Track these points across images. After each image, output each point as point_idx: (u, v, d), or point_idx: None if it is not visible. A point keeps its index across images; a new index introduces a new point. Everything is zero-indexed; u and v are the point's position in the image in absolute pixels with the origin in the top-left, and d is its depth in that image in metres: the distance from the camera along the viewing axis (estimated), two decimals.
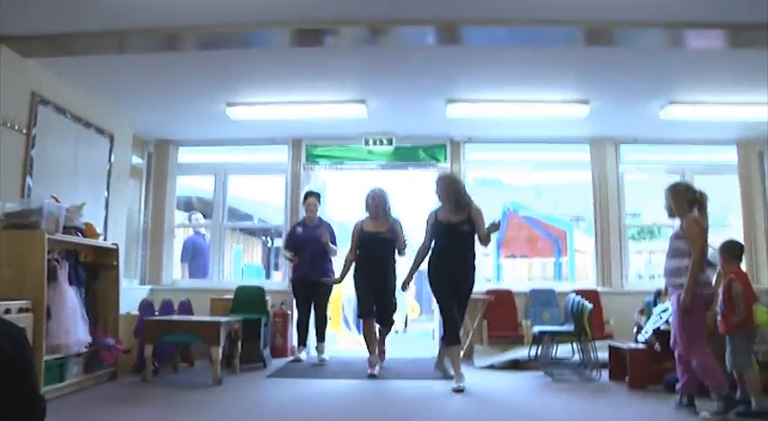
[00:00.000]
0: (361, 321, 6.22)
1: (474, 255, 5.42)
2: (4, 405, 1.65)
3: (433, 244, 5.43)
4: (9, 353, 1.66)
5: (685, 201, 4.33)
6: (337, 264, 6.77)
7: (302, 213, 7.57)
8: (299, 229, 6.92)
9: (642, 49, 5.00)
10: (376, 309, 5.97)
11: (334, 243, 6.84)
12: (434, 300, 5.67)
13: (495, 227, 5.34)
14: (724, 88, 5.87)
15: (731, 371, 4.19)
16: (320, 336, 6.76)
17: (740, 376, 4.17)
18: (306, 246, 6.77)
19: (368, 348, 5.94)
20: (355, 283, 6.11)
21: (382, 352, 6.25)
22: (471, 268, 5.39)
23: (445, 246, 5.35)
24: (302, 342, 6.83)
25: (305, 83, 5.87)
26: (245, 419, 3.97)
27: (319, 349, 6.69)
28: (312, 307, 6.80)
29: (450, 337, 5.20)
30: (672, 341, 4.33)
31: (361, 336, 6.68)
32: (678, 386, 4.27)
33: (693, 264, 4.07)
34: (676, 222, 4.42)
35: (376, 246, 6.01)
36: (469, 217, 5.34)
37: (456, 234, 5.30)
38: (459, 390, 4.90)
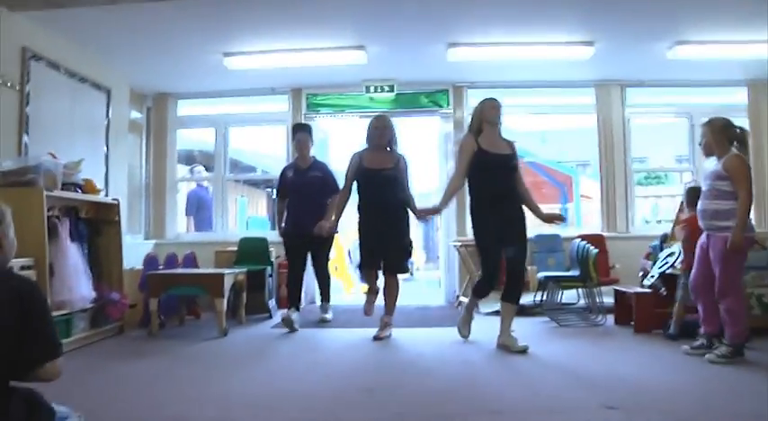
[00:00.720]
0: (361, 273, 5.40)
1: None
2: (23, 344, 1.82)
3: (468, 179, 4.58)
4: (26, 299, 1.85)
5: (725, 137, 4.07)
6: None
7: None
8: (290, 173, 5.92)
9: None
10: (384, 254, 5.06)
11: (335, 189, 5.64)
12: (477, 249, 4.72)
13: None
14: (733, 26, 5.68)
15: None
16: (325, 296, 6.10)
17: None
18: (299, 192, 5.81)
19: (366, 301, 5.31)
20: (359, 231, 5.22)
21: (391, 308, 5.22)
22: (522, 211, 4.57)
23: (496, 184, 4.47)
24: (294, 303, 5.70)
25: (302, 30, 5.73)
26: (250, 368, 3.99)
27: (323, 308, 6.03)
28: (312, 263, 6.01)
29: (480, 291, 4.67)
30: (693, 284, 4.27)
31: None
32: (702, 330, 4.22)
33: (741, 205, 3.89)
34: (711, 161, 4.15)
35: (381, 186, 5.00)
36: (514, 152, 4.60)
37: (508, 169, 4.51)
38: (521, 351, 4.33)
